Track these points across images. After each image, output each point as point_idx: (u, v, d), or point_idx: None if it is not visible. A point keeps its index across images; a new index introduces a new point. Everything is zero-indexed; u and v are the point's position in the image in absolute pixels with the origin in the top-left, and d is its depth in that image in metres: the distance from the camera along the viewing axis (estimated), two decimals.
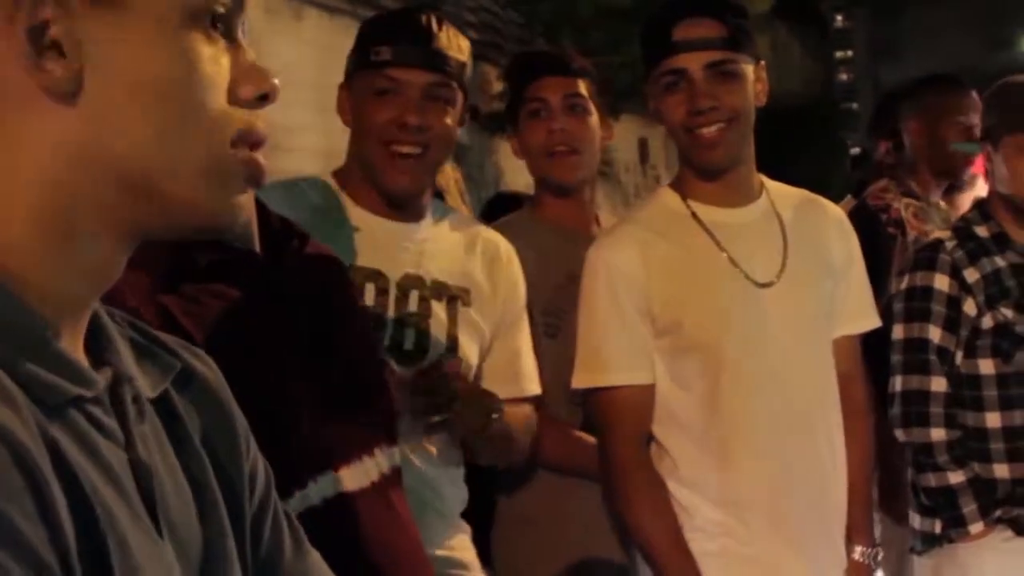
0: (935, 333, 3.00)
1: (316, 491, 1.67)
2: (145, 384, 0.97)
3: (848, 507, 2.63)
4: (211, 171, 0.92)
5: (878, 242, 3.70)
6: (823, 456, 2.59)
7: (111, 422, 0.90)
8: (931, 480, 3.00)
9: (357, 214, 2.47)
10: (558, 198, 2.99)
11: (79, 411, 0.87)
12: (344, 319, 1.84)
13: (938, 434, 2.98)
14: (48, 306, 0.88)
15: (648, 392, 2.53)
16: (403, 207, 2.49)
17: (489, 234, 2.72)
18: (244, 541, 1.03)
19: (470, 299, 2.53)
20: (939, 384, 3.00)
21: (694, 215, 2.57)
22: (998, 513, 2.98)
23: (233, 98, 0.93)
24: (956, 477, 2.97)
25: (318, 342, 1.74)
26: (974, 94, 3.87)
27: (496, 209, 4.38)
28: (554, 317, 2.86)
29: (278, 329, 1.70)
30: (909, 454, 3.07)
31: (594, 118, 2.99)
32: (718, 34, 2.49)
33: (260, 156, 0.95)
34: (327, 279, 1.85)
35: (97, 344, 0.95)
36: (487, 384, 2.55)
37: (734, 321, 2.51)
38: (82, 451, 0.85)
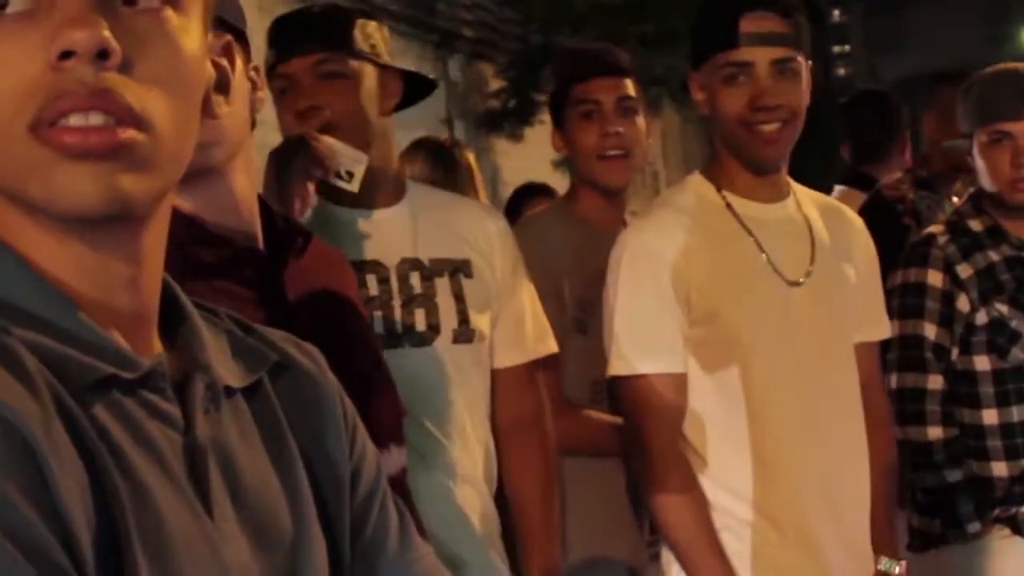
0: (930, 330, 2.97)
1: None
2: (231, 374, 1.00)
3: (872, 516, 2.59)
4: (30, 168, 0.87)
5: (894, 233, 3.67)
6: (854, 458, 2.55)
7: (169, 406, 0.93)
8: (928, 479, 2.97)
9: (339, 212, 2.43)
10: (599, 197, 2.99)
11: (126, 393, 0.90)
12: (348, 318, 1.85)
13: (935, 432, 2.95)
14: (76, 294, 0.90)
15: (683, 381, 2.47)
16: (365, 198, 2.39)
17: (474, 203, 2.70)
18: (337, 532, 1.05)
19: (472, 270, 2.50)
20: (935, 382, 2.97)
21: (729, 206, 2.53)
22: (996, 512, 2.95)
23: (41, 70, 0.86)
24: (953, 476, 2.95)
25: (322, 341, 1.75)
26: None
27: (522, 199, 4.42)
28: (584, 313, 2.83)
29: (281, 327, 1.71)
30: (906, 453, 3.05)
31: (642, 118, 3.00)
32: (784, 30, 2.45)
33: (80, 119, 0.86)
34: (331, 277, 1.86)
35: (175, 335, 0.99)
36: (498, 355, 2.53)
37: (766, 318, 2.47)
38: (122, 429, 0.88)
